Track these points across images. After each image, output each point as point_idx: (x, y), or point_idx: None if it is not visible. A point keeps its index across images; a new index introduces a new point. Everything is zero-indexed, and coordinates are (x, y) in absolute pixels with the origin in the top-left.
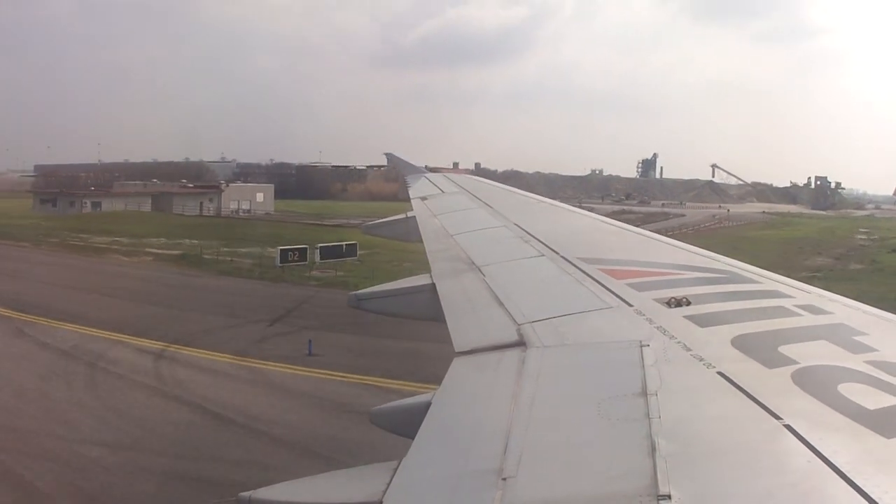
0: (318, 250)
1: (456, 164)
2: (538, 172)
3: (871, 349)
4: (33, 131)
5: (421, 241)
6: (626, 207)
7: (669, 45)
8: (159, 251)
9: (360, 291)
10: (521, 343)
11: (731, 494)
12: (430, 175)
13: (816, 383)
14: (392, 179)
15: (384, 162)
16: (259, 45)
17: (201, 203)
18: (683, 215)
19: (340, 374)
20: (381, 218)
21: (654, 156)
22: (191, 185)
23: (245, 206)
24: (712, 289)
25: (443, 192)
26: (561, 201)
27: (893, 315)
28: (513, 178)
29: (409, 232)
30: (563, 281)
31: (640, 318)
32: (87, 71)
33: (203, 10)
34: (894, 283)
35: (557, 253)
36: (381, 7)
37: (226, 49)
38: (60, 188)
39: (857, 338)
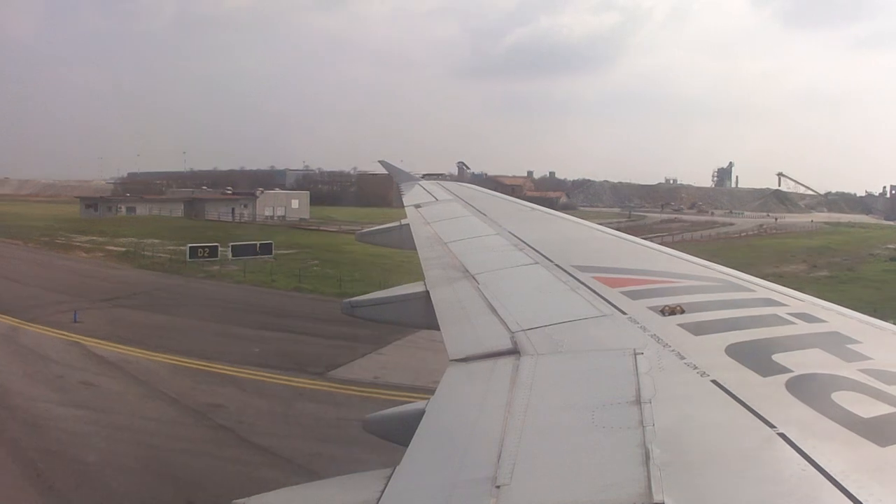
0: (231, 248)
1: (530, 173)
2: (606, 181)
3: (864, 357)
4: (127, 140)
5: (415, 249)
6: (676, 216)
7: (762, 51)
8: (115, 248)
9: (353, 299)
10: (514, 351)
11: (725, 503)
12: (424, 182)
13: (810, 392)
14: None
15: (444, 171)
16: (349, 55)
17: (233, 209)
18: (732, 224)
19: (77, 336)
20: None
21: (730, 164)
22: (229, 192)
23: (280, 212)
24: (706, 297)
25: (437, 199)
26: (621, 209)
27: (887, 323)
28: (581, 187)
29: (403, 240)
30: (557, 289)
31: (634, 326)
32: (179, 82)
33: (295, 22)
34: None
35: (551, 261)
36: (472, 17)
37: (315, 60)
38: (140, 194)
39: (850, 346)
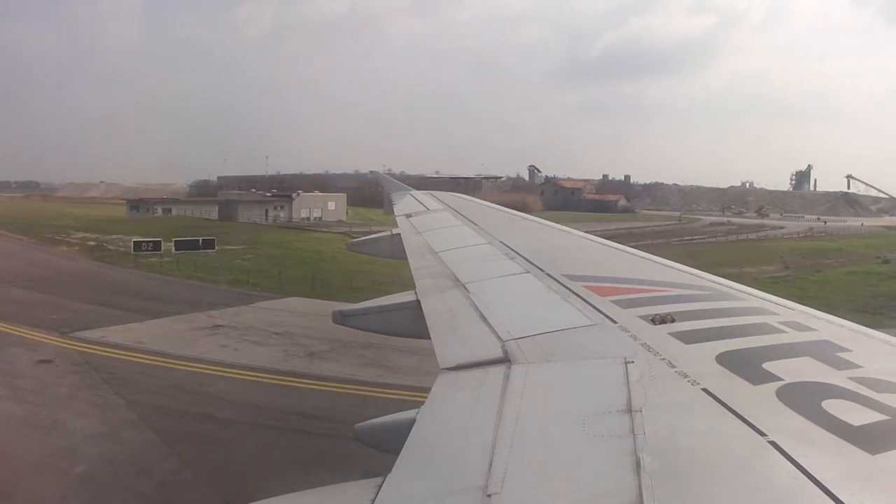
0: (174, 242)
1: (605, 176)
2: (675, 184)
3: (855, 366)
4: (217, 145)
5: (406, 258)
6: (727, 219)
7: (863, 50)
8: (92, 244)
9: (344, 308)
10: (505, 360)
11: None
12: (415, 192)
13: (801, 400)
14: (505, 190)
15: (515, 174)
16: (441, 60)
17: (266, 211)
18: (782, 227)
19: None
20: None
21: (809, 167)
22: (268, 194)
23: (316, 213)
24: (697, 306)
25: (428, 209)
26: (681, 212)
27: (877, 332)
28: (651, 189)
29: (394, 249)
30: (547, 298)
31: (625, 335)
32: (273, 88)
33: (388, 29)
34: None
35: (542, 270)
36: (565, 20)
37: (407, 65)
38: (211, 196)
39: (841, 354)
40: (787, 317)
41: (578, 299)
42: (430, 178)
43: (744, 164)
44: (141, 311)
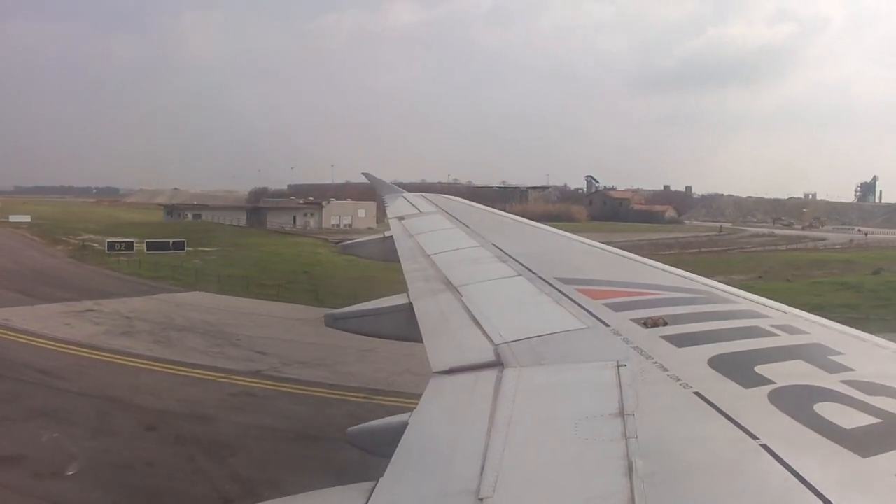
0: (146, 243)
1: (666, 187)
2: (731, 195)
3: (846, 369)
4: (290, 153)
5: (399, 261)
6: (770, 231)
7: None
8: (84, 244)
9: (336, 311)
10: (498, 363)
11: None
12: (407, 195)
13: (793, 403)
14: (551, 201)
15: (572, 184)
16: (516, 69)
17: (294, 218)
18: (824, 239)
19: None
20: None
21: (874, 179)
22: (301, 202)
23: (346, 221)
24: (689, 309)
25: (420, 211)
26: (739, 223)
27: (869, 335)
28: (704, 201)
29: (387, 251)
30: (540, 301)
31: (617, 339)
32: (350, 97)
33: (465, 38)
34: None
35: (535, 273)
36: (642, 30)
37: (484, 75)
38: (272, 203)
39: (832, 357)
40: (778, 320)
41: (571, 302)
42: (478, 188)
43: (812, 175)
44: (44, 297)
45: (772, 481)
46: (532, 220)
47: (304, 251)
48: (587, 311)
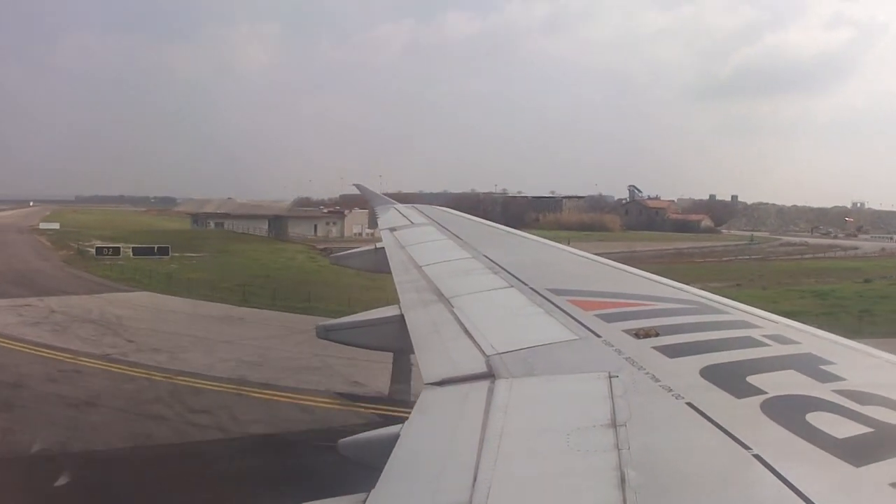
0: (132, 249)
1: (712, 196)
2: (773, 204)
3: (838, 378)
4: (342, 162)
5: (390, 273)
6: (801, 239)
7: None
8: (82, 249)
9: (327, 323)
10: (489, 374)
11: None
12: (399, 206)
13: (785, 413)
14: (585, 210)
15: (615, 193)
16: (571, 78)
17: (315, 226)
18: (856, 248)
19: None
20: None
21: None
22: (325, 211)
23: (368, 230)
24: (681, 319)
25: (412, 223)
26: (780, 232)
27: (860, 344)
28: (750, 209)
29: (378, 263)
30: (531, 312)
31: (609, 350)
32: (404, 109)
33: (522, 48)
34: None
35: (526, 284)
36: (698, 37)
37: (541, 84)
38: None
39: (824, 367)
40: (770, 330)
41: (562, 313)
42: (511, 197)
43: (865, 183)
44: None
45: (765, 491)
46: (564, 229)
47: (282, 258)
48: (579, 322)
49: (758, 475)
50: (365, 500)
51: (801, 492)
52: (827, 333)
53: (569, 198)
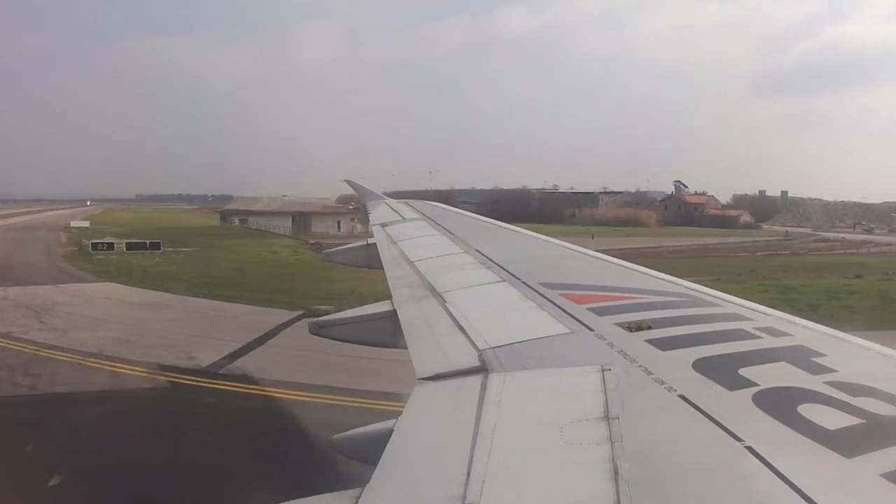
0: (125, 244)
1: (784, 193)
2: (817, 199)
3: (829, 370)
4: (392, 160)
5: (382, 268)
6: (841, 236)
7: None
8: (83, 245)
9: (320, 319)
10: (482, 369)
11: None
12: (390, 201)
13: (777, 405)
14: (620, 206)
15: (664, 189)
16: (627, 75)
17: (338, 222)
18: (891, 244)
19: None
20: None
21: None
22: (351, 206)
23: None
24: (673, 312)
25: (403, 218)
26: (826, 228)
27: (851, 336)
28: (796, 204)
29: (370, 258)
30: (524, 306)
31: (602, 343)
32: (451, 106)
33: (573, 44)
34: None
35: (518, 278)
36: (757, 30)
37: (593, 80)
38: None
39: (815, 359)
40: (762, 322)
41: (555, 307)
42: (549, 192)
43: None
44: None
45: (757, 483)
46: (600, 225)
47: (267, 252)
48: (571, 315)
49: (750, 467)
50: (360, 496)
51: (793, 483)
52: (819, 326)
53: (606, 193)
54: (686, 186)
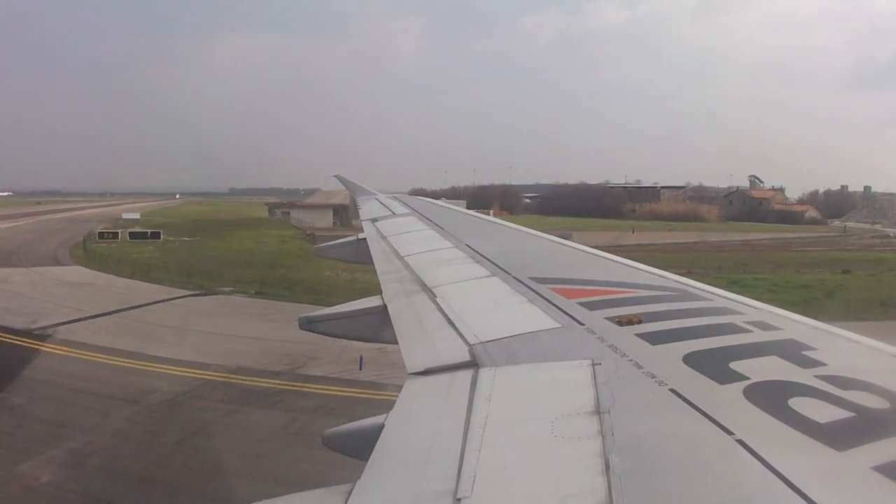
0: (128, 233)
1: (844, 187)
2: (892, 194)
3: (820, 363)
4: (476, 155)
5: (372, 263)
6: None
7: None
8: (100, 234)
9: (310, 314)
10: (473, 363)
11: None
12: (380, 196)
13: (768, 398)
14: (685, 200)
15: (736, 183)
16: (722, 66)
17: None
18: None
19: None
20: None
21: None
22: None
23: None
24: (663, 306)
25: (394, 213)
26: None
27: (841, 329)
28: (871, 200)
29: (360, 254)
30: (514, 301)
31: (592, 337)
32: (546, 98)
33: (669, 35)
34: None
35: (508, 273)
36: (858, 20)
37: (688, 71)
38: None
39: (806, 353)
40: (752, 316)
41: (545, 302)
42: (610, 187)
43: None
44: None
45: (748, 476)
46: (658, 220)
47: (258, 242)
48: (561, 310)
49: (741, 460)
50: (351, 491)
51: (784, 476)
52: (809, 320)
53: (668, 188)
54: (761, 181)
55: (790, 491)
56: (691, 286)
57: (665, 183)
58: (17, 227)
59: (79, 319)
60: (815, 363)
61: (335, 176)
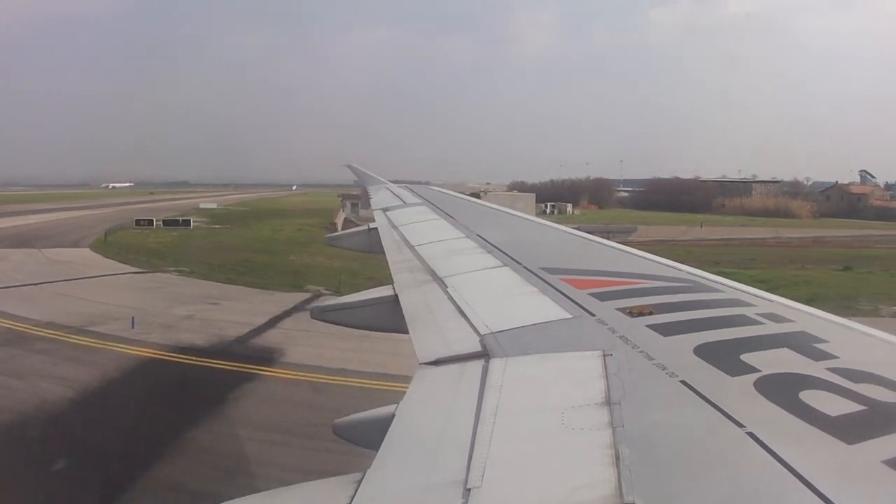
0: (162, 221)
1: None
2: None
3: (831, 356)
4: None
5: (383, 253)
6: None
7: None
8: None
9: (322, 304)
10: (484, 353)
11: (695, 502)
12: (392, 186)
13: (778, 391)
14: (774, 195)
15: (843, 179)
16: (862, 57)
17: None
18: None
19: None
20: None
21: None
22: (513, 192)
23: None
24: (675, 298)
25: (405, 203)
26: None
27: (853, 322)
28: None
29: (371, 243)
30: (525, 291)
31: (603, 328)
32: (675, 90)
33: (804, 25)
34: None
35: (519, 263)
36: None
37: (825, 64)
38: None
39: (817, 345)
40: (764, 308)
41: (556, 292)
42: (701, 181)
43: None
44: None
45: (758, 469)
46: (749, 215)
47: (277, 231)
48: (572, 300)
49: (751, 453)
50: (361, 480)
51: (794, 469)
52: (821, 312)
53: (760, 182)
54: (873, 177)
55: (800, 484)
56: (703, 278)
57: (779, 178)
58: (83, 217)
59: (6, 287)
60: (827, 356)
61: (346, 165)
